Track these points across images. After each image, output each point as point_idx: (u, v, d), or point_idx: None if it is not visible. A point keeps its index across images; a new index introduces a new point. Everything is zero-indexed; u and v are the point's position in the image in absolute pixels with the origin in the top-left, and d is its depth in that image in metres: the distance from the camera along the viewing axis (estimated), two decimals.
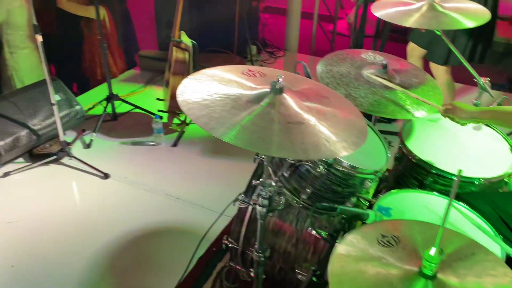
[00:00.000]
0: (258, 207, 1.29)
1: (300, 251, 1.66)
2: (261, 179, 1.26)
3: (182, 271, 2.02)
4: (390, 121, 3.16)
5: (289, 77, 1.24)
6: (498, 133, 1.85)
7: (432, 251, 0.90)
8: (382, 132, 3.06)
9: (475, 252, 1.01)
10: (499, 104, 1.83)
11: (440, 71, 2.86)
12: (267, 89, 1.10)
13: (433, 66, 2.89)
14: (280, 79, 1.08)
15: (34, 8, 2.28)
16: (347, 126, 1.10)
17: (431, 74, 2.92)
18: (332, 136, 1.04)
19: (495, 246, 1.29)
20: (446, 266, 0.96)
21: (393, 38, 5.04)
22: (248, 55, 4.01)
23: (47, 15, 3.16)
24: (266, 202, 1.27)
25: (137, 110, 3.25)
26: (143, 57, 3.98)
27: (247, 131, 1.00)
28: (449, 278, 0.94)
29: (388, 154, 1.59)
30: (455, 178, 0.93)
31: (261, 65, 4.18)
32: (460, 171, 0.92)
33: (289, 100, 1.11)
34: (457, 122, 1.62)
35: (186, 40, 2.83)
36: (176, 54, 2.82)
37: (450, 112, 1.60)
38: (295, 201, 1.50)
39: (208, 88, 1.11)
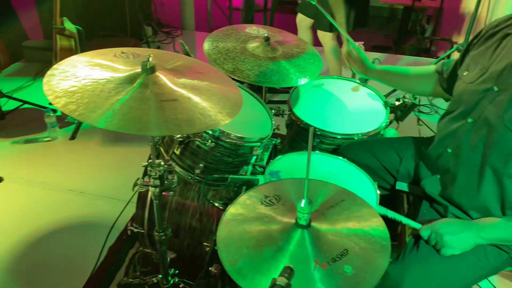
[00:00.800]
0: (151, 188, 1.31)
1: (205, 225, 1.72)
2: (149, 160, 1.27)
3: (94, 264, 1.99)
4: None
5: (163, 56, 1.25)
6: (373, 91, 2.04)
7: (302, 203, 0.99)
8: (279, 102, 3.20)
9: (344, 199, 1.13)
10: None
11: (326, 38, 3.04)
12: (138, 69, 1.11)
13: (320, 34, 3.07)
14: (150, 59, 1.09)
15: None
16: (222, 99, 1.15)
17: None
18: (207, 109, 1.08)
19: (371, 193, 1.45)
20: (320, 214, 1.07)
21: (286, 10, 5.22)
22: (144, 37, 3.90)
23: None
24: (157, 182, 1.29)
25: (27, 105, 3.03)
26: (27, 48, 3.69)
27: (121, 114, 1.00)
28: (322, 224, 1.04)
29: (273, 121, 1.68)
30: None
31: (159, 47, 4.10)
32: (313, 128, 1.01)
33: (163, 78, 1.12)
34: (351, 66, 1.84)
35: (69, 26, 2.67)
36: (61, 42, 2.67)
37: (352, 61, 1.82)
38: (189, 177, 1.54)
39: (77, 74, 1.08)
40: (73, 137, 2.85)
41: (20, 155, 2.72)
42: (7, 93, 3.01)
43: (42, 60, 3.55)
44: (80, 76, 1.08)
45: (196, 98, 1.10)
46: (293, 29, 3.21)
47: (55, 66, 1.10)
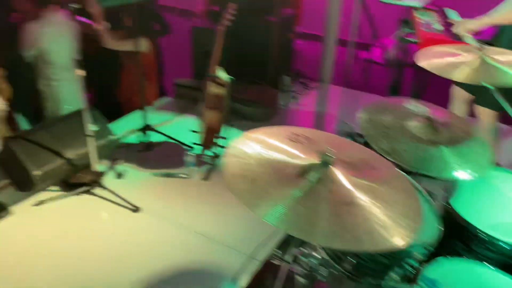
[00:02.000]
0: (298, 278, 1.23)
1: None
2: (303, 249, 1.20)
3: None
4: None
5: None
6: None
7: None
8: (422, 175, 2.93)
9: None
10: None
11: (487, 115, 2.74)
12: (315, 160, 1.04)
13: (480, 109, 2.77)
14: (332, 156, 1.02)
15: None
16: (401, 206, 1.03)
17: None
18: (386, 220, 0.97)
19: None
20: None
21: None
22: (282, 86, 3.97)
23: (89, 49, 3.13)
24: (307, 273, 1.20)
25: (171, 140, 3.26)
26: (179, 85, 4.01)
27: (292, 212, 0.94)
28: None
29: (438, 224, 1.49)
30: None
31: (294, 96, 4.14)
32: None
33: (338, 174, 1.04)
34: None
35: (223, 76, 2.82)
36: (212, 88, 2.82)
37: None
38: (338, 271, 1.42)
39: (252, 155, 1.06)
40: (206, 178, 2.95)
41: (157, 187, 2.89)
42: (154, 125, 3.27)
43: (190, 98, 3.81)
44: (255, 157, 1.05)
45: (373, 204, 0.99)
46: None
47: (233, 144, 1.10)
